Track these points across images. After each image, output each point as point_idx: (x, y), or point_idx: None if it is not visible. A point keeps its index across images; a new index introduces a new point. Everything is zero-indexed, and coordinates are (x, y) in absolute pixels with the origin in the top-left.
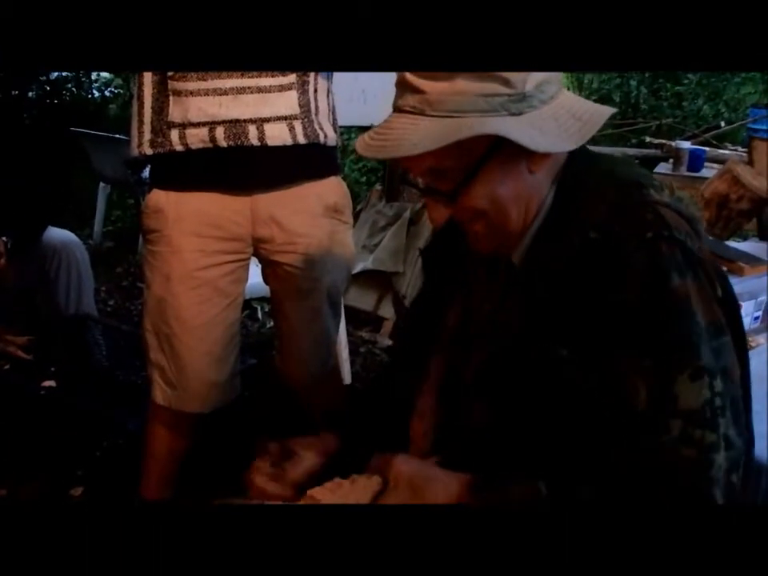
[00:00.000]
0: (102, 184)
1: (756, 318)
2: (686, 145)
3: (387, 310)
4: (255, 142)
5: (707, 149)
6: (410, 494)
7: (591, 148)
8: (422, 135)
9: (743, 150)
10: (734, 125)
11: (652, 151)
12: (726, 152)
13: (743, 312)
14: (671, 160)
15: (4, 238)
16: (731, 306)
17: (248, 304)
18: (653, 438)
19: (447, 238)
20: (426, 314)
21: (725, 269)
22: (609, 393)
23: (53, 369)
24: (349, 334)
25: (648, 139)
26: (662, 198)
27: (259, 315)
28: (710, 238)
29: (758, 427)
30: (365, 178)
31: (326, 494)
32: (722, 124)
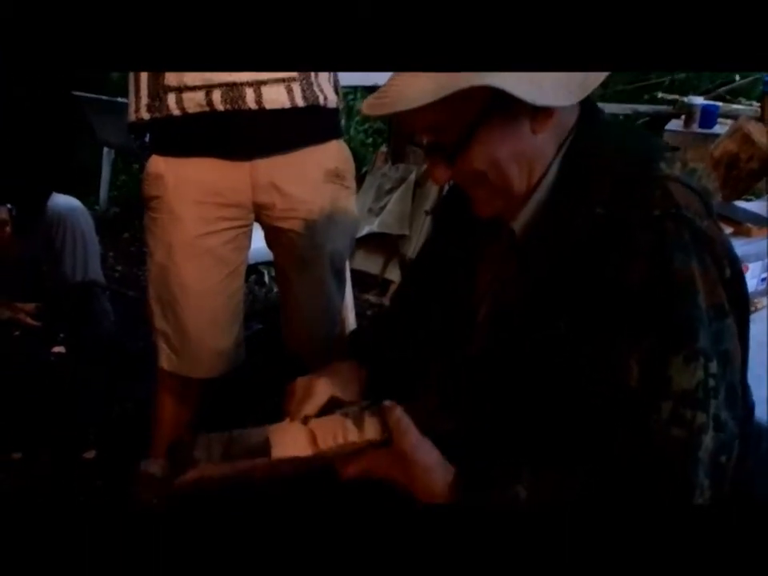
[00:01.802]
0: (105, 149)
1: (763, 280)
2: (699, 100)
3: (394, 273)
4: (253, 105)
5: (721, 104)
6: (403, 473)
7: (602, 106)
8: (419, 90)
9: (758, 105)
10: (749, 78)
11: (663, 107)
12: (740, 107)
13: (750, 274)
14: (683, 116)
15: (9, 206)
16: (738, 286)
17: (255, 268)
18: (642, 418)
19: (458, 198)
20: (431, 270)
21: (731, 230)
22: (602, 371)
23: (61, 335)
24: (355, 298)
25: (660, 95)
26: (672, 171)
27: (266, 280)
28: (718, 199)
29: (759, 392)
30: (371, 139)
31: (324, 430)
32: (737, 78)
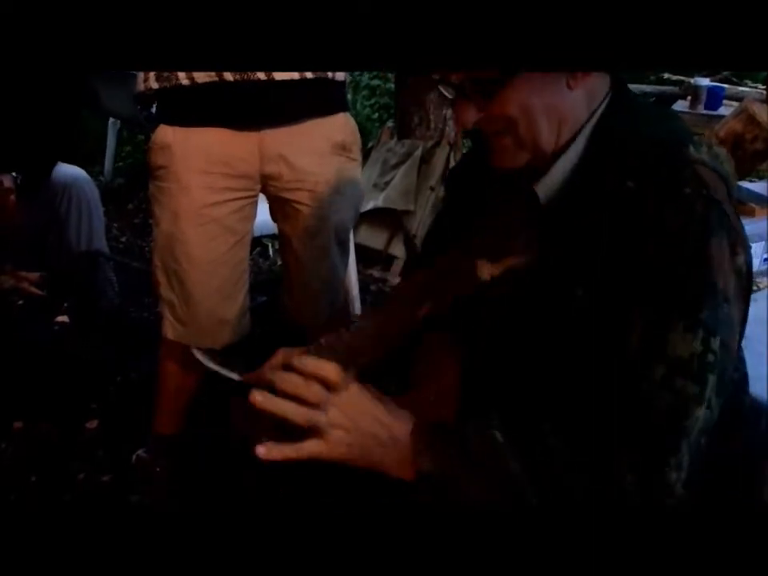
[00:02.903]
0: (111, 120)
1: (765, 260)
2: (705, 82)
3: (398, 249)
4: (262, 76)
5: (726, 86)
6: (346, 449)
7: None
8: None
9: (763, 87)
10: None
11: (669, 88)
12: (746, 89)
13: (753, 253)
14: (689, 98)
15: (14, 174)
16: (748, 275)
17: (259, 241)
18: (635, 379)
19: (474, 167)
20: (446, 234)
21: None
22: (607, 333)
23: (65, 305)
24: (359, 273)
25: (666, 75)
26: (701, 156)
27: (270, 252)
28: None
29: (760, 369)
30: (377, 114)
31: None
32: None
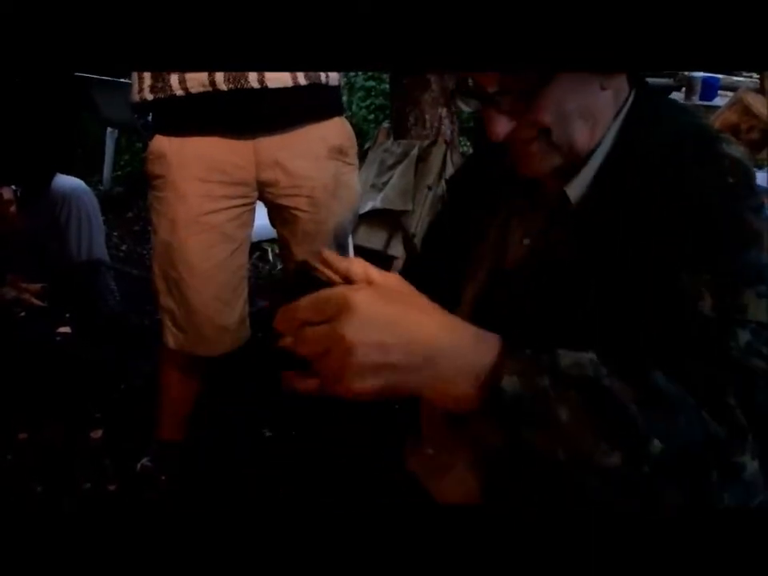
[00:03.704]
0: (109, 129)
1: None
2: (700, 73)
3: (397, 249)
4: (255, 84)
5: (721, 76)
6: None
7: None
8: None
9: (758, 77)
10: None
11: (664, 80)
12: (741, 79)
13: None
14: (683, 89)
15: (14, 187)
16: None
17: (259, 245)
18: (720, 345)
19: (478, 169)
20: (447, 241)
21: None
22: (671, 306)
23: (67, 315)
24: None
25: None
26: (732, 152)
27: (270, 257)
28: None
29: None
30: (372, 116)
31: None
32: None
